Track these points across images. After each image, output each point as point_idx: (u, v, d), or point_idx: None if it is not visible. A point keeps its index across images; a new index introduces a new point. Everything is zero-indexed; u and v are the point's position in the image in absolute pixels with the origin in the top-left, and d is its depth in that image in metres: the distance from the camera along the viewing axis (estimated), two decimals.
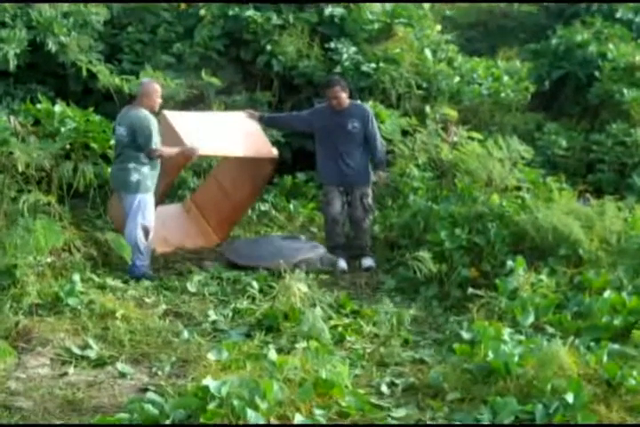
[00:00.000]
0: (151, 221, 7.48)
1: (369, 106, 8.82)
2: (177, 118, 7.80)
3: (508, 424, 4.50)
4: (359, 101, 8.72)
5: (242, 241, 8.39)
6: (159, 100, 7.59)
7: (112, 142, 7.96)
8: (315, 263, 7.73)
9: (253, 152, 8.13)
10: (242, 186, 8.52)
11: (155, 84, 7.66)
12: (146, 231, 7.43)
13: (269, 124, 8.52)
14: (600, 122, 10.93)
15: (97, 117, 8.38)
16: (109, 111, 8.61)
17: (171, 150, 7.49)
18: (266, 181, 8.75)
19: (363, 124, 8.04)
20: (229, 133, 8.06)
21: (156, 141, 7.36)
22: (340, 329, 6.23)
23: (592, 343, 5.51)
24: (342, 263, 7.95)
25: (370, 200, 8.18)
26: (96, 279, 7.05)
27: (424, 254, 7.19)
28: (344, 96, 8.07)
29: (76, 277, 6.81)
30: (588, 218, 7.46)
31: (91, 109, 8.50)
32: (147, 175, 7.41)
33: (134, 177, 7.36)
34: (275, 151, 8.25)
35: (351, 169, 8.06)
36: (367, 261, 8.02)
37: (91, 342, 5.75)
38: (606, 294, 6.25)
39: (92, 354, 5.60)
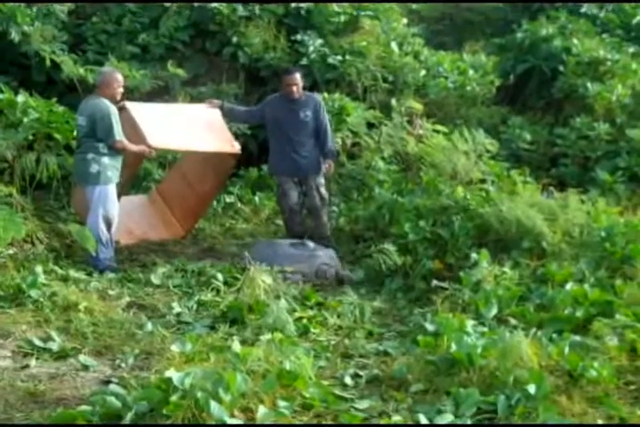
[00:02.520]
0: (113, 212, 7.41)
1: (320, 97, 8.79)
2: (138, 110, 7.71)
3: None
4: (309, 92, 8.64)
5: (259, 243, 7.98)
6: (120, 90, 7.50)
7: (75, 133, 7.90)
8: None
9: (215, 147, 8.04)
10: (206, 178, 8.48)
11: (115, 73, 7.56)
12: (108, 223, 7.36)
13: (227, 115, 8.41)
14: (564, 116, 11.04)
15: (60, 108, 8.31)
16: (73, 102, 8.51)
17: (133, 146, 7.42)
18: (228, 174, 8.71)
19: (314, 114, 8.08)
20: (191, 127, 7.97)
21: (119, 132, 7.29)
22: (304, 321, 6.22)
23: (554, 335, 5.54)
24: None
25: (324, 190, 8.20)
26: (59, 271, 6.99)
27: (389, 247, 7.21)
28: (301, 85, 8.10)
29: (39, 268, 6.76)
30: (552, 211, 7.53)
31: (54, 100, 8.42)
32: (107, 166, 7.34)
33: (94, 168, 7.29)
34: (237, 146, 8.17)
35: (304, 159, 8.10)
36: None
37: (53, 334, 5.69)
38: (568, 286, 6.30)
39: (54, 346, 5.54)
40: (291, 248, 7.56)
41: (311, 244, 7.71)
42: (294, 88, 8.04)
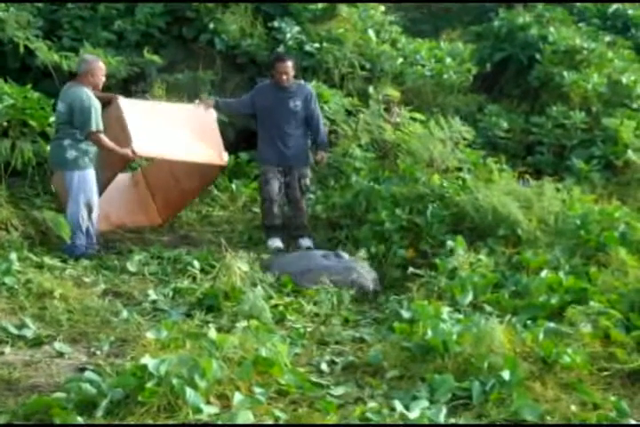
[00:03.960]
0: (94, 197, 7.38)
1: (311, 86, 8.78)
2: (130, 110, 7.52)
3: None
4: (302, 81, 8.66)
5: (288, 255, 7.63)
6: (103, 78, 7.47)
7: (52, 120, 7.84)
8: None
9: (202, 158, 7.87)
10: (191, 176, 8.37)
11: (99, 62, 7.53)
12: (89, 209, 7.32)
13: (223, 109, 8.35)
14: (540, 104, 11.05)
15: (35, 94, 8.24)
16: (48, 88, 8.47)
17: (111, 145, 7.32)
18: (213, 178, 8.65)
19: (304, 104, 8.02)
20: (181, 133, 7.78)
21: (97, 123, 7.21)
22: (280, 308, 6.23)
23: (529, 322, 5.58)
24: (278, 242, 7.97)
25: (307, 181, 8.20)
26: (34, 258, 6.95)
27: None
28: (292, 73, 8.04)
29: (13, 255, 6.73)
30: (527, 199, 7.57)
31: (29, 86, 8.34)
32: (84, 151, 7.29)
33: (70, 154, 7.24)
34: (225, 157, 7.99)
35: (291, 150, 8.04)
36: (305, 242, 8.01)
37: (28, 321, 5.66)
38: (543, 273, 6.34)
39: (28, 333, 5.51)
40: (324, 260, 7.18)
41: (345, 254, 7.30)
42: (285, 77, 7.95)
